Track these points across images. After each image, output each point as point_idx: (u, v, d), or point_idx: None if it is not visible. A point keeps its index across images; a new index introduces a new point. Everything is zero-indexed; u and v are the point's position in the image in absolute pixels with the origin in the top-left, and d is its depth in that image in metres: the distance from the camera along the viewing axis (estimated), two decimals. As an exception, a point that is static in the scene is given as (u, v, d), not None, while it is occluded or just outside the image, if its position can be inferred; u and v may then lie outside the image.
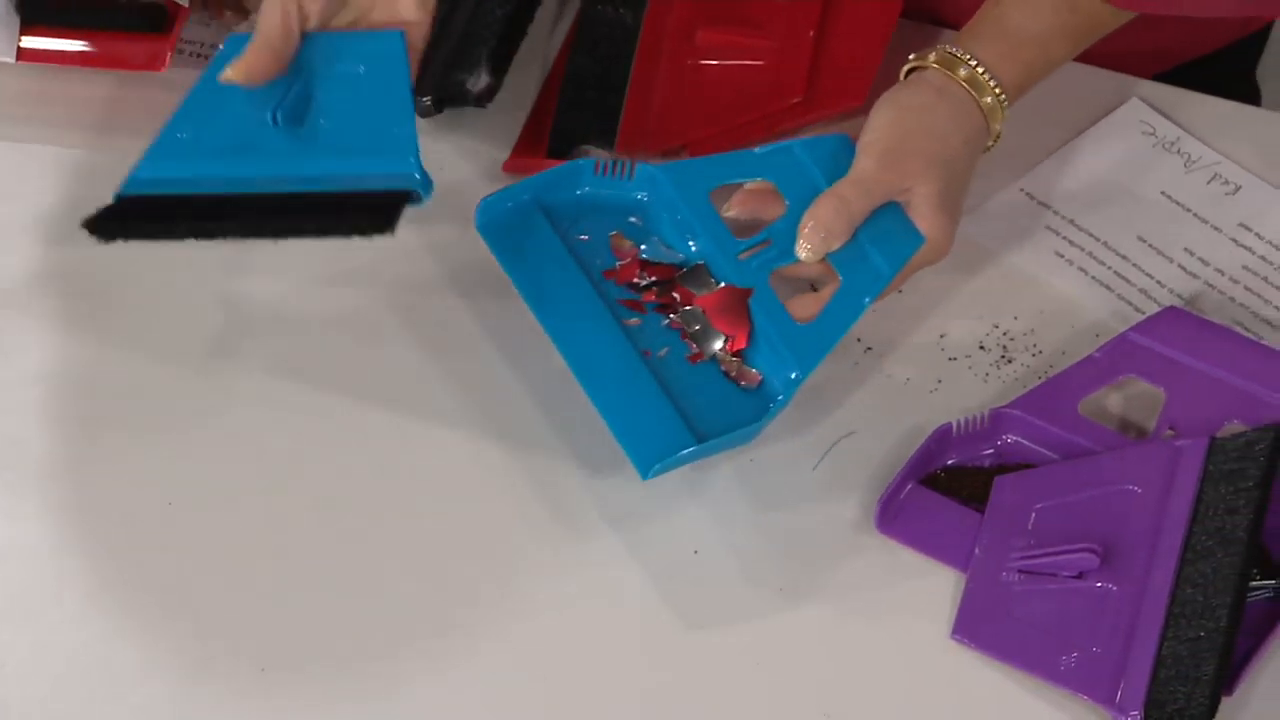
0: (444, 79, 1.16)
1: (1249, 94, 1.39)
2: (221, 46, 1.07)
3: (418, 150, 1.03)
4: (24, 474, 1.04)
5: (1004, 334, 1.10)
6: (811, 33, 1.19)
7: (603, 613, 0.99)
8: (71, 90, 1.21)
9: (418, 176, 1.03)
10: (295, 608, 0.99)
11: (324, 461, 1.05)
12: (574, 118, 1.18)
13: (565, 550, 1.01)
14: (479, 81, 1.16)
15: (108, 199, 1.05)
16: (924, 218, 1.04)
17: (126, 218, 1.04)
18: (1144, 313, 1.10)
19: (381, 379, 1.08)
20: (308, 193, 1.03)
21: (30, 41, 1.19)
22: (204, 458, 1.05)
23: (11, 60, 1.19)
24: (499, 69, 1.17)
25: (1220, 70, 1.31)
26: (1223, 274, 1.12)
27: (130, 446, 1.05)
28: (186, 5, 1.19)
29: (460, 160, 1.18)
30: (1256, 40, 1.36)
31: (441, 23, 1.18)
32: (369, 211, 1.02)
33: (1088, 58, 1.16)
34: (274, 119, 1.04)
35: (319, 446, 1.05)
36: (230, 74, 1.04)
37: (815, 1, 1.21)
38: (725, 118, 1.18)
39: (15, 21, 1.20)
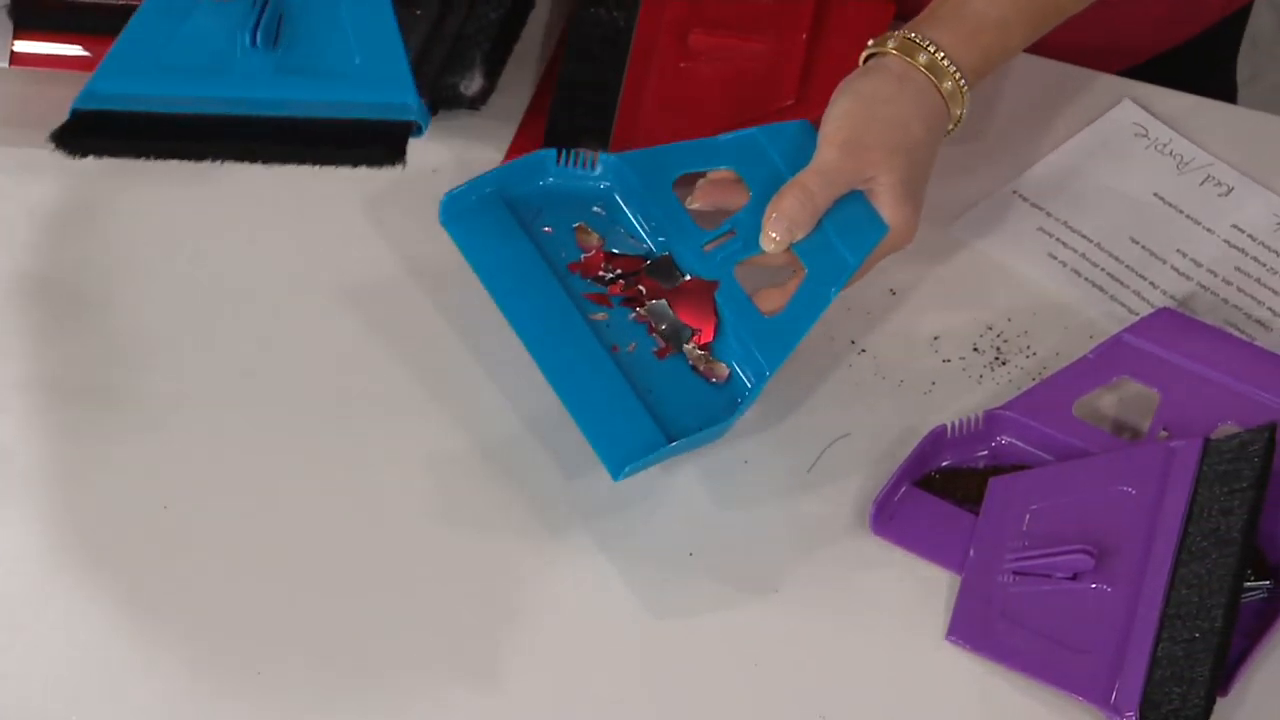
0: (438, 82, 1.16)
1: (1226, 87, 1.39)
2: None
3: (413, 80, 1.00)
4: (14, 478, 1.04)
5: (998, 336, 1.10)
6: (804, 35, 1.19)
7: (598, 615, 0.99)
8: (65, 94, 1.20)
9: (415, 106, 1.00)
10: (286, 609, 0.99)
11: (311, 462, 1.05)
12: (568, 120, 1.18)
13: (557, 553, 1.01)
14: (473, 84, 1.16)
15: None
16: (887, 206, 1.04)
17: (98, 134, 1.00)
18: (1137, 314, 1.10)
19: (372, 380, 1.08)
20: (300, 119, 1.00)
21: (23, 46, 1.19)
22: (199, 459, 1.05)
23: (5, 65, 1.19)
24: (493, 71, 1.18)
25: (1196, 62, 1.31)
26: (1215, 275, 1.13)
27: (126, 449, 1.05)
28: None
29: (455, 163, 1.18)
30: (1233, 33, 1.35)
31: (434, 26, 1.18)
32: (373, 143, 0.98)
33: (1065, 54, 1.16)
34: (252, 39, 1.00)
35: (309, 444, 1.05)
36: None
37: (808, 4, 1.21)
38: (718, 120, 1.17)
39: (9, 26, 1.19)
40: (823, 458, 1.05)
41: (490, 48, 1.17)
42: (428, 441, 1.05)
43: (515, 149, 1.18)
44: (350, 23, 1.01)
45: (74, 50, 1.19)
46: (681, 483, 1.03)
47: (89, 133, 1.00)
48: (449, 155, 1.18)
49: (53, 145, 0.99)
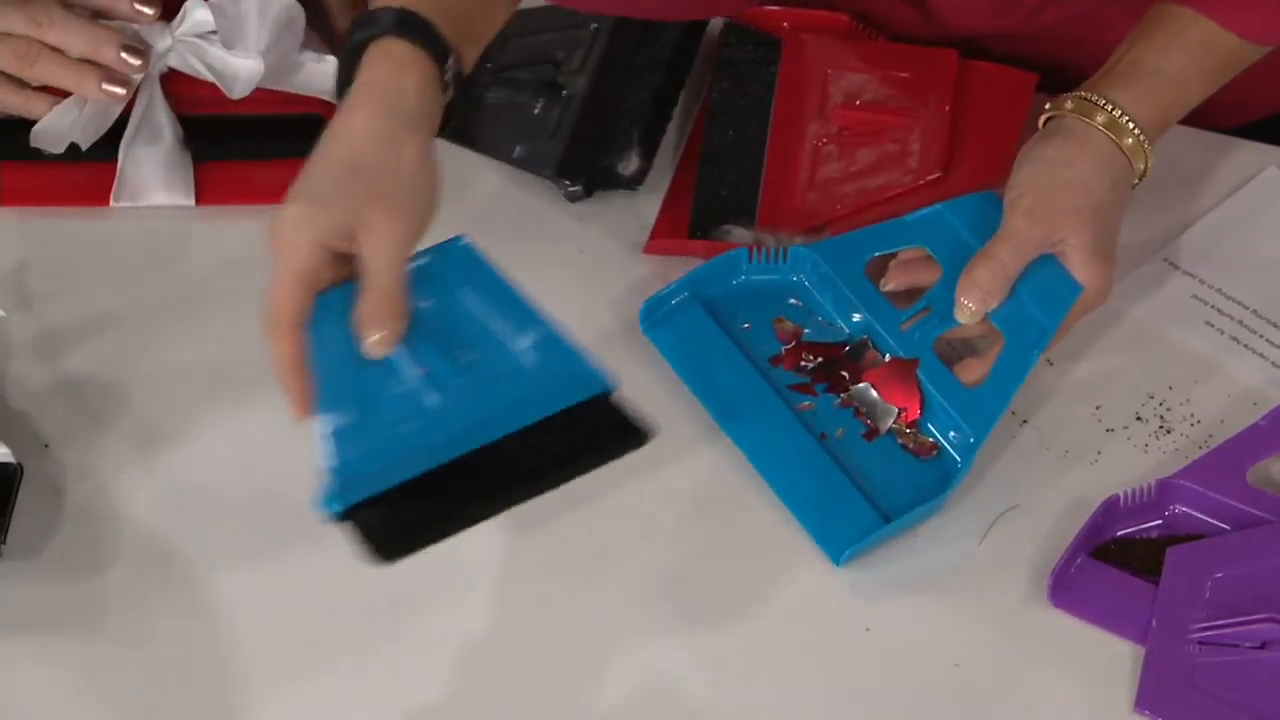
0: (595, 163, 1.16)
1: None
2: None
3: (584, 354, 0.94)
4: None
5: (1160, 404, 1.10)
6: (947, 108, 1.20)
7: (780, 695, 0.99)
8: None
9: (605, 377, 0.93)
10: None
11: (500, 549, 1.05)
12: (713, 197, 1.18)
13: (737, 630, 1.01)
14: (630, 164, 1.17)
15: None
16: (1080, 267, 1.05)
17: (386, 530, 0.90)
18: (1300, 379, 1.10)
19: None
20: (521, 431, 0.92)
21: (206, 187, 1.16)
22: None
23: (191, 204, 1.16)
24: (649, 151, 1.18)
25: None
26: (1375, 338, 1.13)
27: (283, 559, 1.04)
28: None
29: (603, 242, 1.18)
30: None
31: (585, 105, 1.19)
32: (604, 431, 0.93)
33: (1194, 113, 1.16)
34: (437, 369, 0.92)
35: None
36: (380, 346, 0.91)
37: (949, 77, 1.21)
38: (864, 195, 1.18)
39: (188, 160, 1.17)
40: (993, 530, 1.05)
41: (646, 127, 1.18)
42: (608, 520, 1.05)
43: (661, 228, 1.18)
44: (489, 313, 0.94)
45: (253, 181, 1.17)
46: (853, 558, 1.03)
47: (378, 535, 0.90)
48: (595, 234, 1.19)
49: (377, 560, 0.90)
